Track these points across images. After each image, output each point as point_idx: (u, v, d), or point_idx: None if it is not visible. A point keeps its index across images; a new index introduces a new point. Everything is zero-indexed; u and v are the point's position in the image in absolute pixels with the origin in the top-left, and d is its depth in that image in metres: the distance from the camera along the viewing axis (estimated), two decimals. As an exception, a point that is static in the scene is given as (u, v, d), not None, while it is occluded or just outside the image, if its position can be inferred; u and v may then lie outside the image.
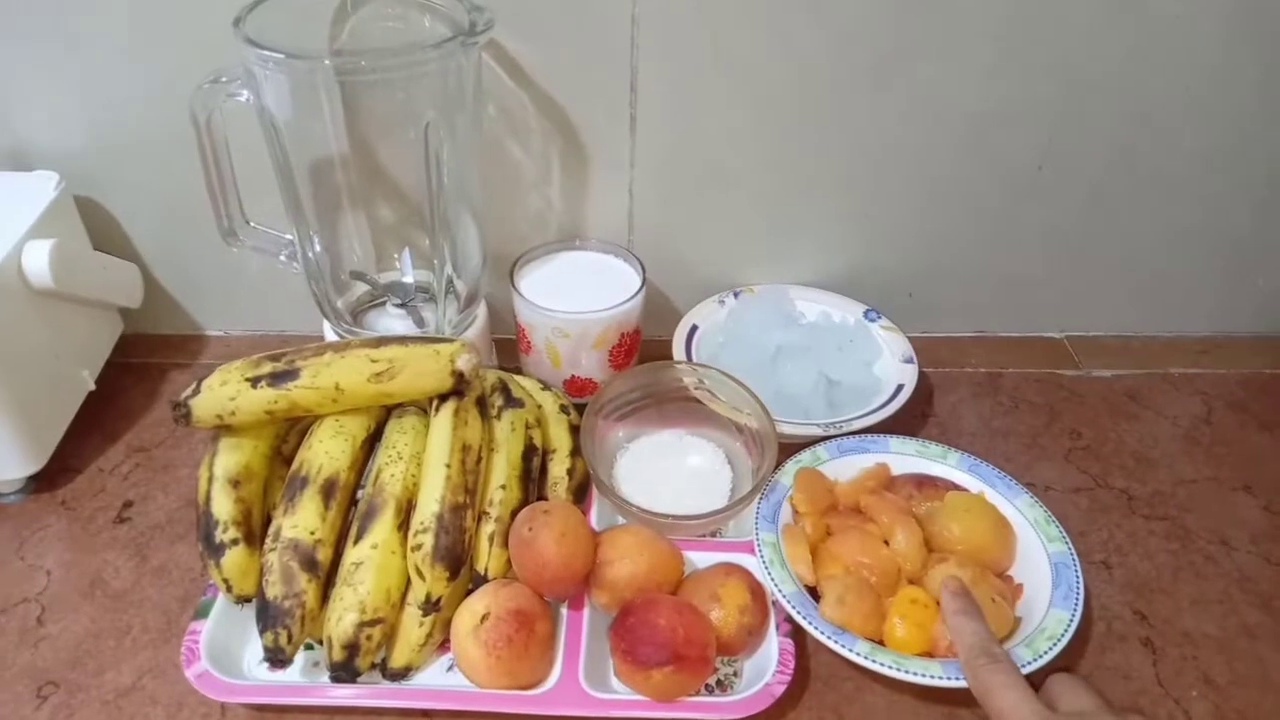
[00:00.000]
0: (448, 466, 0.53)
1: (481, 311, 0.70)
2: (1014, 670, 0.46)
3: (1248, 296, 0.80)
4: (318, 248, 0.64)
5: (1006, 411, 0.74)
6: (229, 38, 0.54)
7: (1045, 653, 0.50)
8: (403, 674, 0.52)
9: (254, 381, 0.53)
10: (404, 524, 0.53)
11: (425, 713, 0.51)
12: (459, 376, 0.54)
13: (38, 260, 0.61)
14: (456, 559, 0.51)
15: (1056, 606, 0.53)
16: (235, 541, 0.52)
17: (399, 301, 0.68)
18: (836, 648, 0.51)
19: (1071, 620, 0.52)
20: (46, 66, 0.65)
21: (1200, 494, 0.67)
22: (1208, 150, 0.71)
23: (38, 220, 0.63)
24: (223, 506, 0.52)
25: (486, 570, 0.54)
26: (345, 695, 0.50)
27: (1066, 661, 0.54)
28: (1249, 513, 0.65)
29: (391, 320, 0.68)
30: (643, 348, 0.72)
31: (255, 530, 0.53)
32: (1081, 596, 0.54)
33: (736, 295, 0.76)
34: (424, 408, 0.58)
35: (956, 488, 0.61)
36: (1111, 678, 0.54)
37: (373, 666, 0.51)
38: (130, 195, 0.72)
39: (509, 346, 0.74)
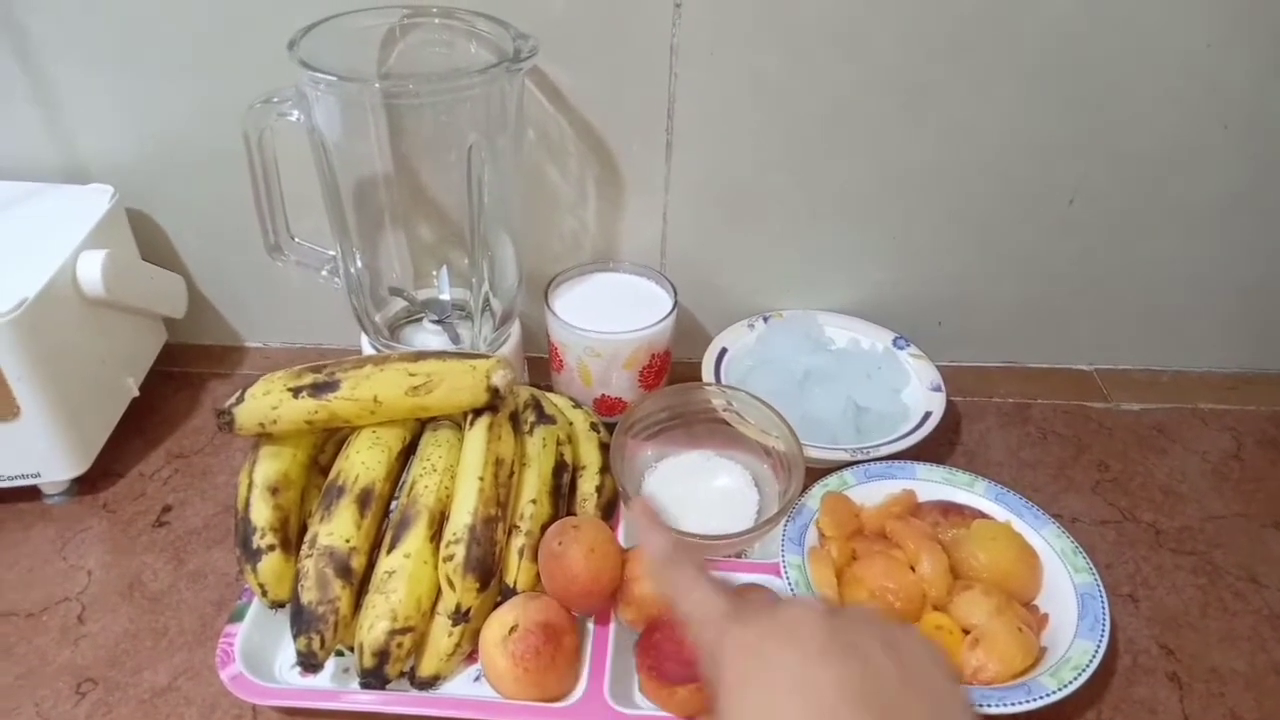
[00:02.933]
0: (480, 480, 0.54)
1: (516, 329, 0.72)
2: (698, 568, 0.42)
3: (1278, 334, 0.80)
4: (359, 264, 0.66)
5: (1034, 442, 0.74)
6: (281, 60, 0.56)
7: (1070, 683, 0.50)
8: (431, 683, 0.53)
9: (296, 392, 0.55)
10: (436, 535, 0.54)
11: (451, 721, 0.52)
12: (494, 392, 0.56)
13: (91, 270, 0.63)
14: (487, 570, 0.52)
15: (1082, 637, 0.53)
16: (272, 547, 0.53)
17: (436, 318, 0.70)
18: (860, 671, 0.51)
19: (1097, 651, 0.52)
20: (106, 86, 0.67)
21: (1229, 530, 0.66)
22: (1239, 187, 0.71)
23: (92, 231, 0.65)
24: (261, 513, 0.54)
25: (516, 583, 0.55)
26: (374, 701, 0.51)
27: (1091, 693, 0.54)
28: (1279, 550, 0.65)
29: (428, 336, 0.70)
30: (673, 369, 0.73)
31: (292, 537, 0.54)
32: (1108, 628, 0.54)
33: (766, 320, 0.77)
34: (458, 422, 0.59)
35: (983, 516, 0.62)
36: (1138, 712, 0.54)
37: (401, 674, 0.52)
38: (179, 209, 0.74)
39: (541, 364, 0.75)
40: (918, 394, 0.71)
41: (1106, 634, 0.53)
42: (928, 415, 0.69)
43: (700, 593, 0.39)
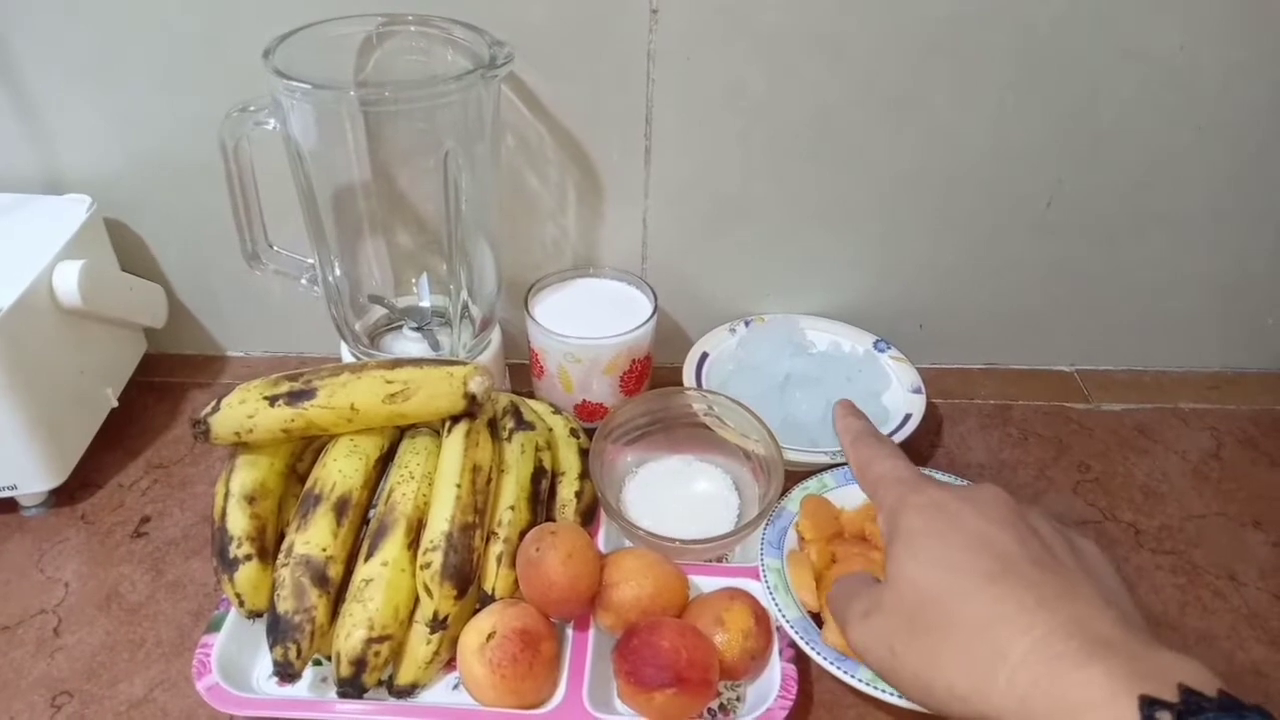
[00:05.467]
0: (458, 487, 0.54)
1: (496, 336, 0.72)
2: (894, 446, 0.44)
3: (1258, 333, 0.81)
4: (338, 272, 0.66)
5: (1015, 443, 0.74)
6: (257, 69, 0.56)
7: (1048, 684, 0.50)
8: (409, 691, 0.53)
9: (272, 400, 0.55)
10: (414, 542, 0.54)
11: (430, 730, 0.52)
12: (471, 399, 0.56)
13: (67, 280, 0.63)
14: (464, 578, 0.52)
15: (1061, 638, 0.53)
16: (249, 557, 0.53)
17: (415, 325, 0.70)
18: (839, 674, 0.51)
19: (1075, 652, 0.52)
20: (85, 96, 0.67)
21: (1209, 529, 0.67)
22: (1218, 190, 0.71)
23: (69, 241, 0.65)
24: (238, 522, 0.53)
25: (494, 590, 0.55)
26: (352, 711, 0.51)
27: (1071, 694, 0.54)
28: (1258, 549, 0.65)
29: (408, 343, 0.70)
30: (654, 374, 0.73)
31: (269, 546, 0.54)
32: (1086, 628, 0.54)
33: (747, 324, 0.77)
34: (437, 429, 0.59)
35: (962, 518, 0.62)
36: (1117, 711, 0.54)
37: (379, 683, 0.52)
38: (158, 219, 0.74)
39: (522, 371, 0.75)
40: (898, 396, 0.71)
41: (1085, 634, 0.53)
42: (908, 417, 0.69)
43: (893, 461, 0.42)
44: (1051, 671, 0.30)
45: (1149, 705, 0.27)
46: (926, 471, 0.63)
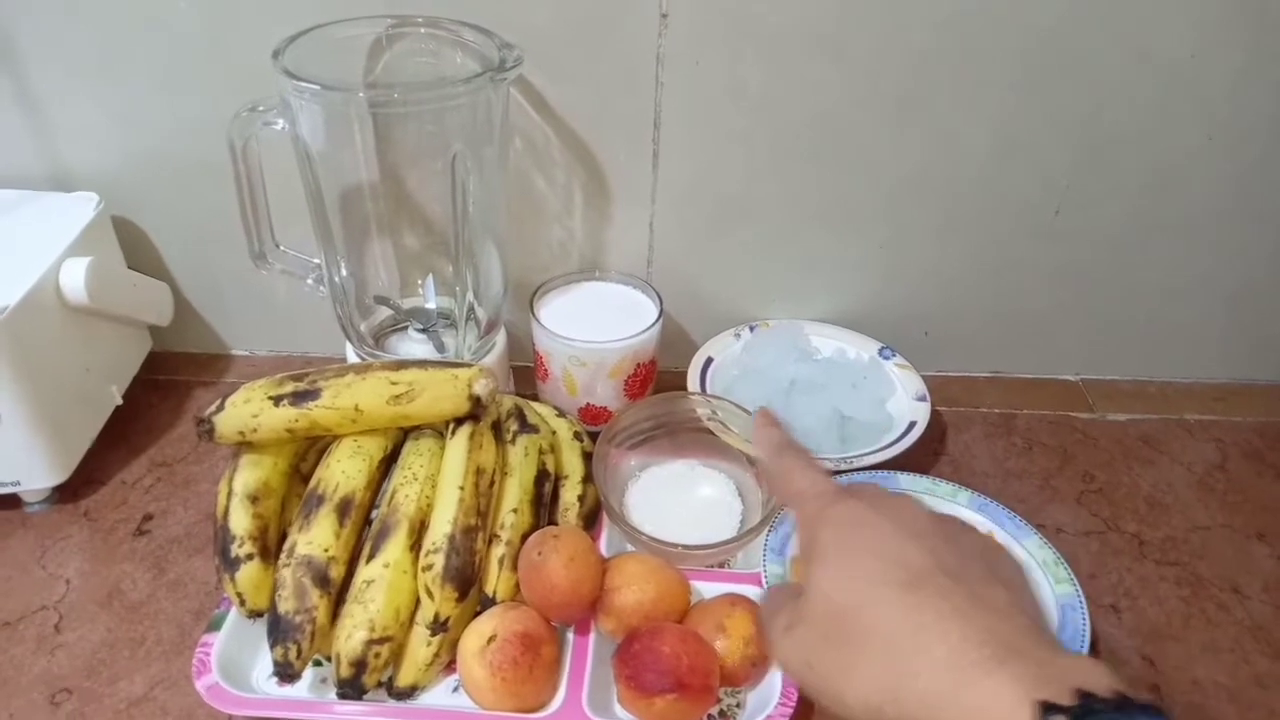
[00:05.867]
0: (461, 489, 0.54)
1: (501, 338, 0.72)
2: (812, 458, 0.44)
3: (1265, 345, 0.80)
4: (344, 272, 0.66)
5: (1020, 453, 0.74)
6: (266, 69, 0.56)
7: (1051, 695, 0.50)
8: (409, 693, 0.52)
9: (276, 400, 0.55)
10: (416, 544, 0.54)
11: (430, 733, 0.52)
12: (476, 401, 0.56)
13: (74, 277, 0.63)
14: (466, 580, 0.52)
15: (1064, 649, 0.53)
16: (250, 556, 0.52)
17: (421, 326, 0.70)
18: (840, 682, 0.50)
19: (1078, 663, 0.52)
20: (92, 94, 0.67)
21: (1213, 541, 0.66)
22: (1226, 199, 0.71)
23: (76, 239, 0.65)
24: (240, 522, 0.53)
25: (495, 593, 0.55)
26: (351, 712, 0.51)
27: (1073, 705, 0.54)
28: (1262, 561, 0.65)
29: (413, 344, 0.70)
30: (658, 378, 0.73)
31: (271, 546, 0.54)
32: (1088, 640, 0.54)
33: (752, 329, 0.77)
34: (441, 431, 0.59)
35: (966, 527, 0.61)
36: (1119, 723, 0.54)
37: (379, 685, 0.52)
38: (165, 217, 0.74)
39: (527, 374, 0.75)
40: (903, 404, 0.71)
41: (1087, 645, 0.53)
42: (912, 425, 0.69)
43: (812, 474, 0.41)
44: (963, 680, 0.30)
45: (1046, 710, 0.28)
46: (926, 478, 0.64)
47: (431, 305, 0.71)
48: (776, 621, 0.38)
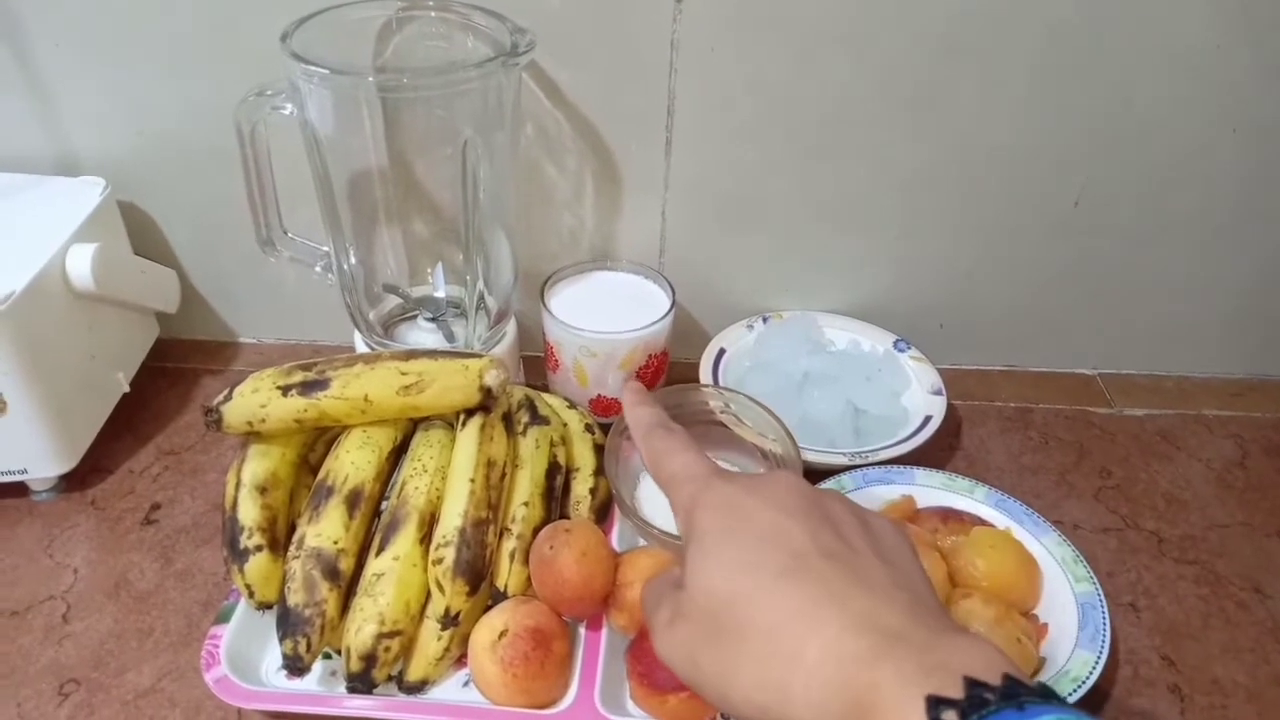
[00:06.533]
0: (472, 481, 0.53)
1: (511, 328, 0.71)
2: (687, 438, 0.41)
3: (1286, 340, 0.79)
4: (353, 260, 0.65)
5: (1036, 448, 0.73)
6: (270, 53, 0.55)
7: (1069, 695, 0.49)
8: (419, 687, 0.52)
9: (285, 390, 0.54)
10: (426, 537, 0.53)
11: (440, 727, 0.51)
12: (486, 392, 0.55)
13: (80, 263, 0.62)
14: (477, 574, 0.51)
15: (1082, 648, 0.52)
16: (259, 548, 0.52)
17: (430, 315, 0.69)
18: (856, 680, 0.50)
19: (1097, 663, 0.51)
20: (99, 78, 0.66)
21: (1232, 539, 0.65)
22: (1247, 191, 0.70)
23: (83, 224, 0.64)
24: (249, 513, 0.53)
25: (506, 587, 0.54)
26: (360, 706, 0.50)
27: (1091, 705, 0.53)
28: (1283, 560, 0.64)
29: (422, 334, 0.69)
30: (670, 370, 0.72)
31: (280, 537, 0.53)
32: (1108, 639, 0.53)
33: (765, 321, 0.76)
34: (451, 422, 0.58)
35: (983, 522, 0.61)
36: (1137, 724, 0.53)
37: (389, 678, 0.51)
38: (172, 202, 0.73)
39: (537, 364, 0.74)
40: (918, 397, 0.70)
41: (1107, 645, 0.52)
42: (928, 419, 0.68)
43: (686, 456, 0.39)
44: (844, 675, 0.28)
45: (935, 705, 0.26)
46: (942, 473, 0.63)
47: (441, 294, 0.70)
48: (659, 615, 0.35)
